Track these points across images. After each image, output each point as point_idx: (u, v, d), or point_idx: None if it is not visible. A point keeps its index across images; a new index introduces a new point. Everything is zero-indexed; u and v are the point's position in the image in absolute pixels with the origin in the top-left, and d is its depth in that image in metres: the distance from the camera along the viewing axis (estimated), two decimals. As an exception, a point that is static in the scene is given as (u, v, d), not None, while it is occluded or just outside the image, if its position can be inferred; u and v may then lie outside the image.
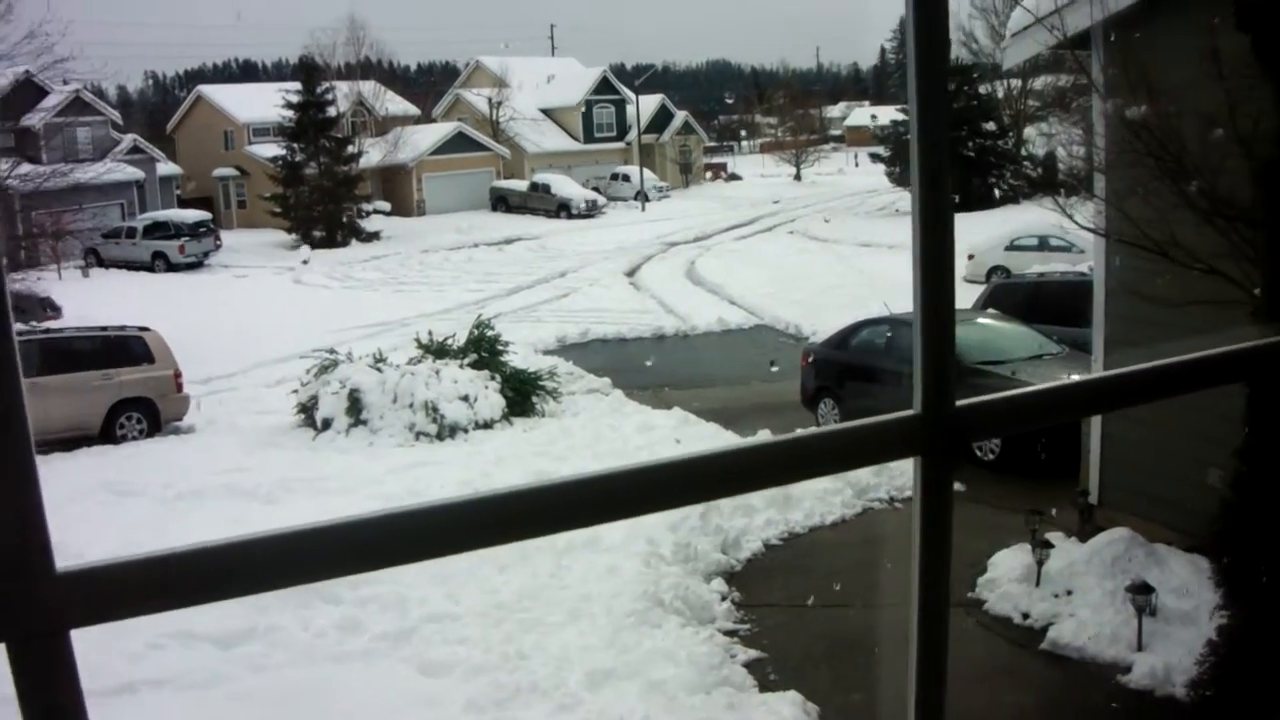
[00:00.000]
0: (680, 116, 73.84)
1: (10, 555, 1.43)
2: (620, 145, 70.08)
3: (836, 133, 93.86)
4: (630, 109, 69.89)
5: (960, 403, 2.02)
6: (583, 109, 69.64)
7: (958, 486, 3.13)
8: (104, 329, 21.08)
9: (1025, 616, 10.65)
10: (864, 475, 14.29)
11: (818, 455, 2.07)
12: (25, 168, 31.23)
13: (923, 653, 2.03)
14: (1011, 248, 29.20)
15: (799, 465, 2.11)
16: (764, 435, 2.90)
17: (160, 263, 42.52)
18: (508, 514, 1.74)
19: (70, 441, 18.37)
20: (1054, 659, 9.99)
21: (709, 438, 17.03)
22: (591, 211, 58.32)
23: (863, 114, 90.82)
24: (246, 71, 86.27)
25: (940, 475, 2.03)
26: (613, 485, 1.83)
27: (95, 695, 1.51)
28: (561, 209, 57.93)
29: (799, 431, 2.09)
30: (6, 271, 1.46)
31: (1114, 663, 9.62)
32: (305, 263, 43.19)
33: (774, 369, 20.30)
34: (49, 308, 27.12)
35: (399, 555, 1.70)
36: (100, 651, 9.80)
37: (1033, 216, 30.49)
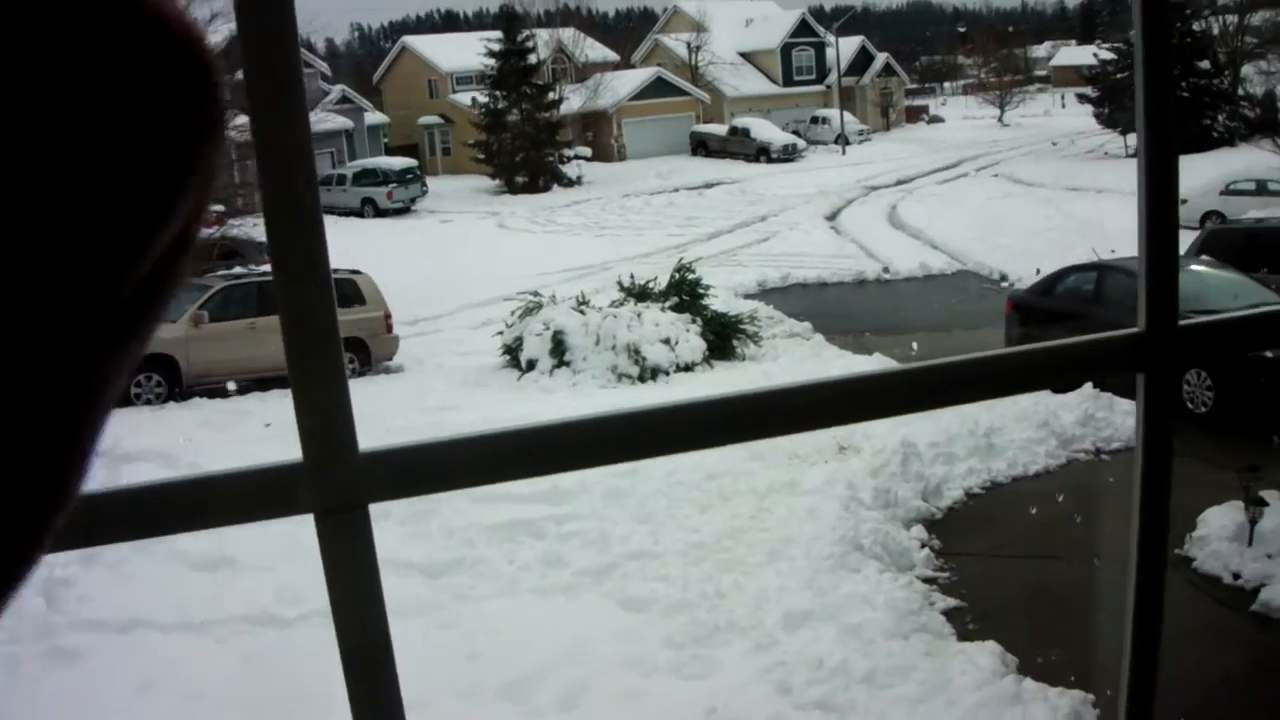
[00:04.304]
0: (881, 59, 72.36)
1: (322, 437, 1.66)
2: (820, 88, 69.09)
3: (1042, 73, 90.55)
4: (830, 51, 68.73)
5: (1184, 322, 2.00)
6: (781, 52, 68.89)
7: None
8: (319, 271, 21.77)
9: (1236, 577, 10.23)
10: (1069, 425, 14.00)
11: (1035, 369, 2.12)
12: (241, 119, 32.44)
13: (1142, 575, 2.04)
14: (1227, 192, 27.70)
15: (1016, 379, 2.18)
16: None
17: (369, 208, 43.70)
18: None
19: (286, 379, 19.14)
20: (1264, 621, 9.62)
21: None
22: (791, 155, 57.77)
23: (1070, 53, 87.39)
24: (448, 21, 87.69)
25: (1165, 393, 2.02)
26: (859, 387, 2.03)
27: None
28: (761, 153, 57.52)
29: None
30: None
31: (1331, 627, 9.27)
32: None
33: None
34: (265, 252, 28.14)
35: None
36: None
37: (1250, 159, 29.25)
